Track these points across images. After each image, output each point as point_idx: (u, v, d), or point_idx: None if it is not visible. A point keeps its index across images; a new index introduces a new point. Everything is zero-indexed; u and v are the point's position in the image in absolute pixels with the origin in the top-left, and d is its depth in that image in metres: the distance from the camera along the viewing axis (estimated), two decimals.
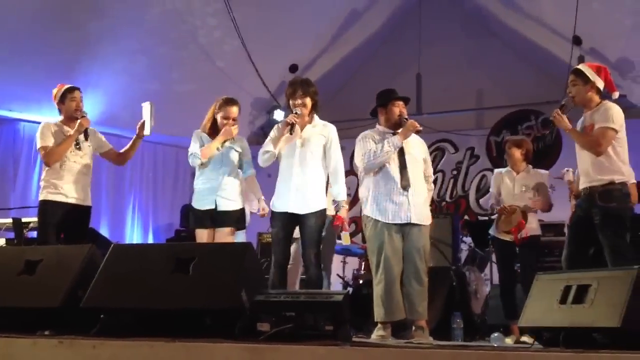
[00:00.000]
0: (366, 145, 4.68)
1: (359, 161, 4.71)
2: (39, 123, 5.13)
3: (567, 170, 5.32)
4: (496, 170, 5.94)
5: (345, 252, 7.51)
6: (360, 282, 6.92)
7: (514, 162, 5.68)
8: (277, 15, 8.57)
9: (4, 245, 6.11)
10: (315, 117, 4.71)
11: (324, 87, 9.51)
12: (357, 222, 9.65)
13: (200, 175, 4.93)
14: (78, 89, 5.09)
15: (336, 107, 9.66)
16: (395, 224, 4.57)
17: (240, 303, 3.00)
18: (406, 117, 4.74)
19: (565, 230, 6.23)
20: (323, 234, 5.65)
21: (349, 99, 9.90)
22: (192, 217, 4.90)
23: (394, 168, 4.62)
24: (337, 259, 6.84)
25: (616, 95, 4.53)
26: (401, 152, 4.66)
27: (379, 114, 4.85)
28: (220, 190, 4.81)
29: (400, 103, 4.79)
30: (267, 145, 4.62)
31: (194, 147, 4.89)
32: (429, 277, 4.66)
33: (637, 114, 8.26)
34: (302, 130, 4.63)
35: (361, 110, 9.96)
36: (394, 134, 4.69)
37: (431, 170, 4.96)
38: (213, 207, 4.79)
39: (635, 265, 2.85)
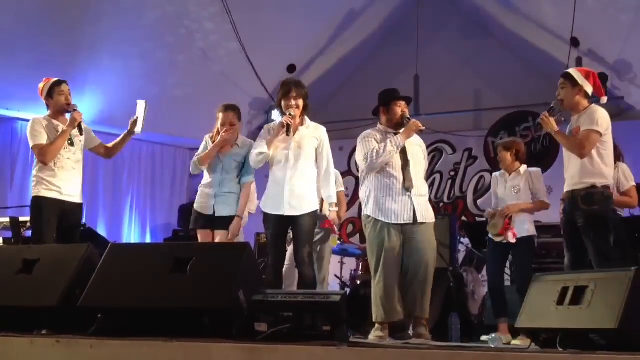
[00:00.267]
0: (368, 144, 4.67)
1: (360, 161, 4.70)
2: None
3: None
4: (494, 174, 5.98)
5: (343, 252, 7.51)
6: (358, 282, 6.93)
7: (505, 165, 5.74)
8: (275, 16, 8.57)
9: (1, 244, 6.10)
10: (306, 118, 4.71)
11: (321, 88, 9.59)
12: (354, 222, 9.68)
13: (204, 179, 5.06)
14: (65, 82, 4.99)
15: (334, 108, 9.68)
16: (397, 224, 4.55)
17: (238, 303, 3.00)
18: (408, 116, 4.73)
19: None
20: (320, 235, 5.69)
21: (347, 100, 9.91)
22: (193, 218, 5.03)
23: (396, 168, 4.61)
24: (334, 260, 6.84)
25: (604, 100, 4.60)
26: (403, 152, 4.66)
27: (380, 114, 4.84)
28: (219, 197, 4.90)
29: (402, 103, 4.78)
30: (262, 146, 4.59)
31: (198, 153, 5.02)
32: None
33: (634, 115, 8.28)
34: (294, 132, 4.62)
35: (359, 110, 10.01)
36: (395, 133, 4.69)
37: (426, 169, 4.98)
38: (211, 213, 4.90)
39: (630, 267, 2.86)
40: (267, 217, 4.63)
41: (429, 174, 8.68)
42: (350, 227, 9.68)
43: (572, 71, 4.51)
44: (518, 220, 5.51)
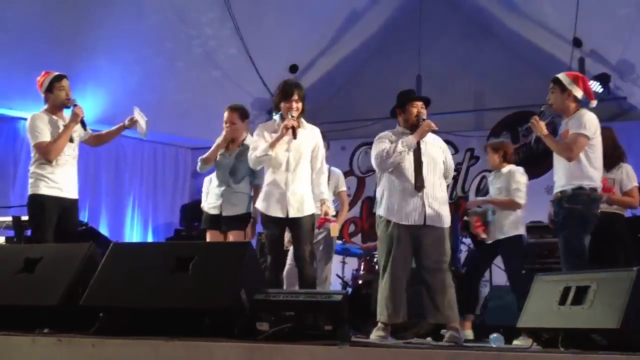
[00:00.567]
0: (381, 145, 4.63)
1: (372, 161, 4.69)
2: None
3: None
4: (488, 175, 6.05)
5: (345, 252, 7.51)
6: (360, 282, 6.93)
7: (491, 165, 5.89)
8: (277, 16, 8.57)
9: (4, 243, 6.10)
10: (303, 120, 4.71)
11: (324, 88, 9.59)
12: (356, 222, 9.68)
13: (213, 178, 5.14)
14: (65, 77, 4.91)
15: (336, 108, 9.68)
16: (407, 225, 4.49)
17: (239, 302, 3.00)
18: (424, 117, 4.67)
19: None
20: (321, 235, 5.69)
21: (349, 100, 9.91)
22: (203, 218, 5.13)
23: (409, 169, 4.55)
24: (336, 259, 6.84)
25: (594, 104, 4.66)
26: (418, 153, 4.59)
27: (397, 115, 4.80)
28: (227, 196, 4.97)
29: (419, 103, 4.72)
30: (266, 149, 4.55)
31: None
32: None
33: (637, 115, 8.27)
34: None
35: (361, 110, 10.05)
36: (412, 134, 4.65)
37: (449, 170, 4.79)
38: (218, 212, 4.97)
39: (632, 267, 2.86)
40: (268, 219, 4.60)
41: None
42: (352, 227, 9.68)
43: (561, 76, 4.58)
44: (502, 219, 5.54)
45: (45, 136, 4.76)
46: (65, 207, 4.80)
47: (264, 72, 8.95)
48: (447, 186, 4.82)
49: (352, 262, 7.62)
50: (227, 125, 5.05)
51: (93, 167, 9.27)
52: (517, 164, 5.93)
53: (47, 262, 3.46)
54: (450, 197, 9.57)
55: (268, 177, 4.65)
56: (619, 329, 2.67)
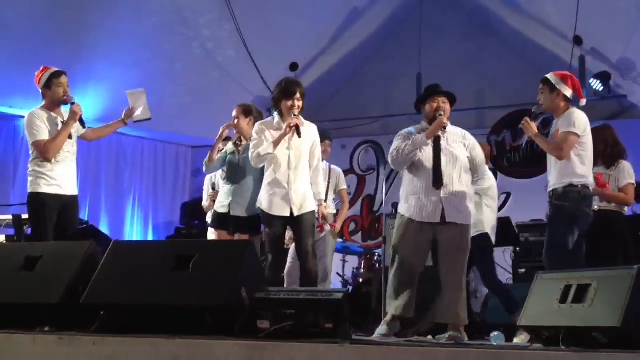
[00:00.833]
0: (395, 143, 4.53)
1: (388, 158, 4.66)
2: None
3: None
4: None
5: (345, 251, 7.52)
6: (360, 280, 6.94)
7: None
8: (277, 14, 8.57)
9: (4, 241, 6.09)
10: (301, 117, 4.70)
11: (324, 86, 9.58)
12: (356, 220, 9.68)
13: (217, 176, 5.23)
14: (64, 73, 4.81)
15: (336, 106, 9.67)
16: (423, 223, 4.40)
17: (240, 300, 3.00)
18: (441, 113, 4.48)
19: None
20: (321, 235, 5.70)
21: (349, 98, 9.90)
22: (213, 217, 5.18)
23: (427, 165, 4.44)
24: (337, 258, 6.84)
25: (583, 102, 4.70)
26: (437, 149, 4.46)
27: (421, 110, 4.66)
28: (235, 196, 4.98)
29: (440, 99, 4.55)
30: (269, 147, 4.55)
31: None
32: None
33: (637, 114, 8.25)
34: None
35: (361, 108, 10.04)
36: None
37: (478, 166, 4.64)
38: (227, 211, 4.98)
39: (633, 265, 2.86)
40: (270, 218, 4.58)
41: None
42: (352, 225, 9.68)
43: (550, 76, 4.59)
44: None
45: (43, 134, 4.68)
46: (66, 204, 4.76)
47: (264, 71, 8.95)
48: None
49: (353, 261, 7.62)
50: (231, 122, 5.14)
51: (93, 165, 9.28)
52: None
53: (47, 261, 3.46)
54: None
55: (269, 176, 4.63)
56: (619, 327, 2.67)
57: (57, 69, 4.82)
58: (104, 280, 3.25)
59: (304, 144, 4.64)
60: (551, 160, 4.54)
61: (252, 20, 8.41)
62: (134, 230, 9.76)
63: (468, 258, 4.48)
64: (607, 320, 2.74)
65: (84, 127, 4.93)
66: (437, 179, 4.41)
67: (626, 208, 5.19)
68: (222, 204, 5.04)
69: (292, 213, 4.53)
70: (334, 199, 6.01)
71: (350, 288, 6.94)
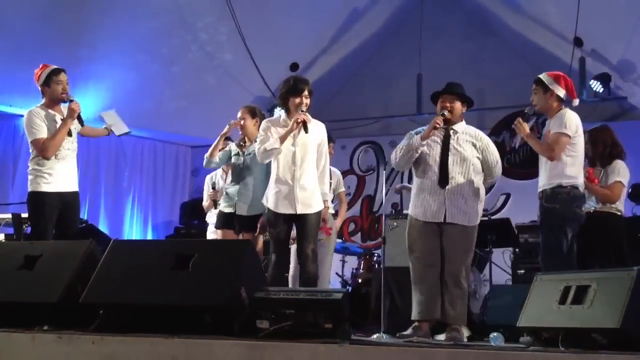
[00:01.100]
0: (400, 143, 4.58)
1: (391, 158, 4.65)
2: None
3: None
4: None
5: (345, 251, 7.51)
6: (359, 281, 6.93)
7: None
8: (278, 14, 8.57)
9: (3, 240, 6.09)
10: (308, 115, 4.69)
11: (324, 86, 9.57)
12: (356, 221, 9.68)
13: (217, 175, 5.19)
14: (64, 70, 4.83)
15: (336, 106, 9.67)
16: (431, 223, 4.42)
17: (239, 300, 3.00)
18: (444, 112, 4.53)
19: None
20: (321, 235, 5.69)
21: (349, 98, 9.90)
22: (218, 217, 5.18)
23: (434, 165, 4.47)
24: (336, 258, 6.84)
25: (576, 102, 4.71)
26: (445, 148, 4.49)
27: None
28: (240, 195, 5.01)
29: (448, 97, 4.61)
30: (275, 142, 4.52)
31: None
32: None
33: (637, 115, 8.25)
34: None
35: (361, 109, 10.04)
36: (445, 128, 4.55)
37: (491, 168, 4.61)
38: (232, 210, 5.01)
39: (633, 267, 2.86)
40: (277, 216, 4.53)
41: None
42: (351, 226, 9.68)
43: (543, 76, 4.63)
44: None
45: (42, 132, 4.69)
46: (67, 201, 4.76)
47: (264, 71, 8.95)
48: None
49: (352, 261, 7.61)
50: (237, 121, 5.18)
51: (93, 165, 9.28)
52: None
53: (47, 259, 3.46)
54: None
55: (275, 173, 4.59)
56: (619, 329, 2.67)
57: (56, 67, 4.82)
58: (104, 280, 3.25)
59: (311, 142, 4.59)
60: (542, 161, 4.54)
61: (253, 21, 8.41)
62: (133, 229, 9.76)
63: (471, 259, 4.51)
64: (606, 322, 2.74)
65: (82, 125, 4.94)
66: (443, 178, 4.43)
67: (622, 209, 5.15)
68: (227, 204, 5.06)
69: (296, 210, 4.50)
70: (332, 200, 6.02)
71: (350, 288, 6.94)
